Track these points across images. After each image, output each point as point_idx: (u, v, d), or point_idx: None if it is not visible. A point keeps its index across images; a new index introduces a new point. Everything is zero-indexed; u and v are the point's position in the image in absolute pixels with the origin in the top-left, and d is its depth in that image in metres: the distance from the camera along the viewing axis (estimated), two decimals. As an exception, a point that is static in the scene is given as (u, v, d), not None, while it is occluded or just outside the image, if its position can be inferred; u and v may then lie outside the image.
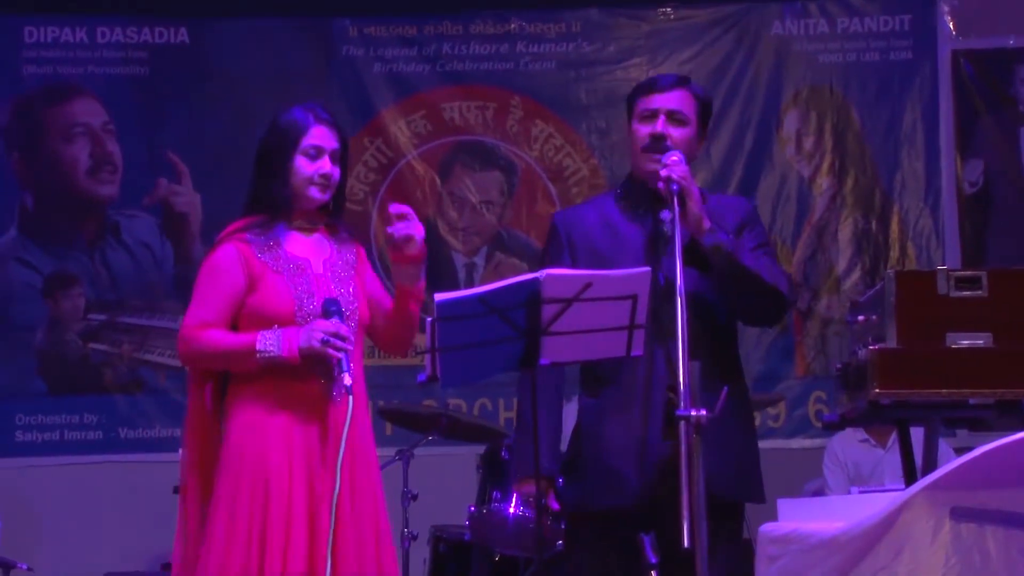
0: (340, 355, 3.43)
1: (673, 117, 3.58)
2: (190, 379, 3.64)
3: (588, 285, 3.25)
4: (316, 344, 3.42)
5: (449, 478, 5.96)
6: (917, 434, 3.61)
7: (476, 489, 5.14)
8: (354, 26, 6.84)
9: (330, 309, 3.49)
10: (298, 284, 3.54)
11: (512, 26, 6.86)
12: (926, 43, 6.79)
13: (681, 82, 3.65)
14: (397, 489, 5.32)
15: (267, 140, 3.62)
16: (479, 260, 6.80)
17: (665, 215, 3.52)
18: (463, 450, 5.95)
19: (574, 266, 3.56)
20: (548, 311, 3.25)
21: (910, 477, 3.59)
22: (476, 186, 6.83)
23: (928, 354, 3.26)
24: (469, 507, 5.02)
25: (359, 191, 6.77)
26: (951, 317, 3.27)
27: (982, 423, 3.60)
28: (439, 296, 3.23)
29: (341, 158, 3.63)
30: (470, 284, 6.64)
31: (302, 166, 3.57)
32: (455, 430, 5.54)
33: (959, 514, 2.73)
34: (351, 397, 3.42)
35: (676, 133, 3.57)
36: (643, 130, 3.58)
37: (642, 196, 3.61)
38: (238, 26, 6.83)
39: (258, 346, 3.45)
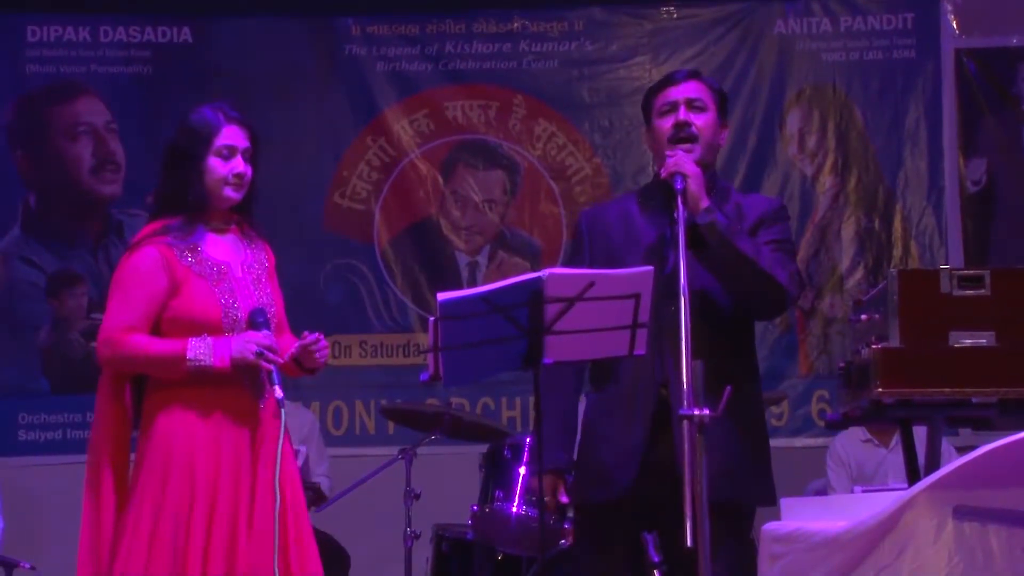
0: (271, 367, 3.44)
1: (692, 105, 3.60)
2: (104, 381, 3.58)
3: (591, 284, 3.25)
4: (250, 356, 3.43)
5: (452, 477, 5.96)
6: (920, 433, 3.61)
7: (479, 488, 5.15)
8: (356, 25, 6.84)
9: (258, 320, 3.49)
10: (222, 290, 3.52)
11: (515, 25, 6.86)
12: (929, 42, 6.79)
13: (693, 74, 3.70)
14: (400, 488, 5.32)
15: (178, 141, 3.58)
16: (482, 259, 6.80)
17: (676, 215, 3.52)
18: (466, 449, 5.95)
19: (591, 263, 3.57)
20: (551, 310, 3.26)
21: (913, 476, 3.59)
22: (479, 185, 6.83)
23: (931, 353, 3.25)
24: (472, 506, 5.03)
25: (362, 190, 6.77)
26: (954, 316, 3.27)
27: (985, 422, 3.60)
28: (442, 295, 3.24)
29: (253, 156, 3.60)
30: (473, 283, 6.64)
31: (216, 166, 3.54)
32: (458, 429, 5.54)
33: (962, 513, 2.73)
34: (283, 411, 3.42)
35: (698, 120, 3.58)
36: (666, 123, 3.60)
37: (661, 194, 3.61)
38: (241, 25, 6.83)
39: (189, 354, 3.44)
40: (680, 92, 3.61)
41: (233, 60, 6.78)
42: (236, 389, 3.49)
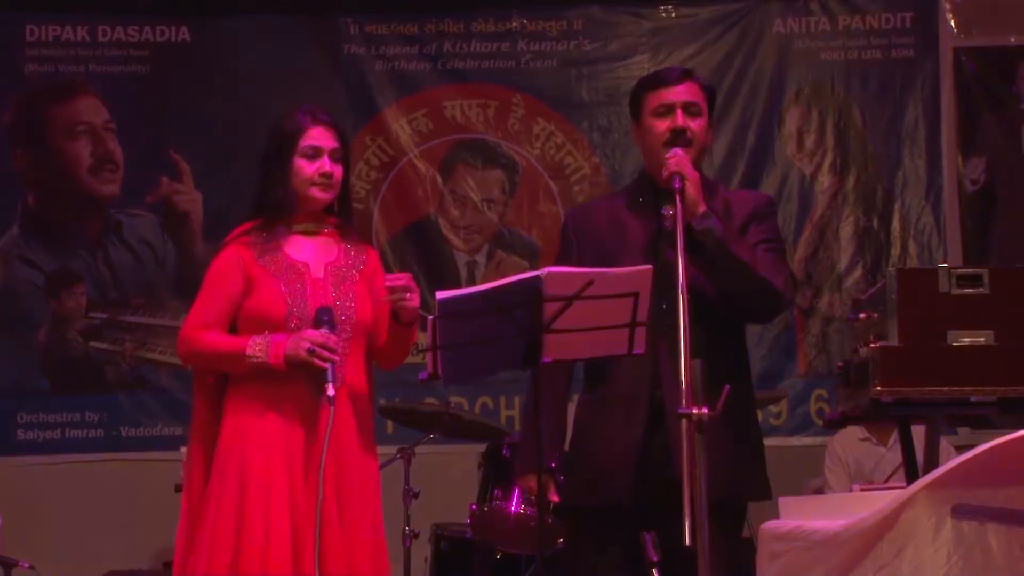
0: (325, 365, 3.46)
1: (689, 109, 3.59)
2: (195, 377, 3.71)
3: (589, 283, 3.25)
4: (302, 353, 3.48)
5: (451, 476, 5.97)
6: (919, 432, 3.61)
7: (478, 487, 5.15)
8: (355, 24, 6.84)
9: (322, 319, 3.53)
10: (293, 289, 3.58)
11: (513, 24, 6.86)
12: (928, 41, 6.79)
13: (688, 74, 3.67)
14: (398, 487, 5.32)
15: (267, 144, 3.68)
16: (480, 258, 6.80)
17: (666, 211, 3.51)
18: (465, 448, 5.95)
19: (580, 263, 3.56)
20: (550, 309, 3.25)
21: (911, 475, 3.59)
22: (477, 184, 6.83)
23: (929, 352, 3.25)
24: (471, 505, 5.03)
25: (361, 189, 6.77)
26: (952, 315, 3.27)
27: (984, 421, 3.61)
28: (440, 294, 3.23)
29: (343, 158, 3.66)
30: (471, 282, 6.64)
31: (301, 167, 3.62)
32: (456, 428, 5.54)
33: (961, 512, 2.73)
34: (332, 408, 3.45)
35: (694, 124, 3.58)
36: (661, 125, 3.58)
37: (651, 193, 3.61)
38: (239, 24, 6.83)
39: (248, 351, 3.53)
40: (677, 95, 3.59)
41: (232, 59, 6.78)
42: (296, 386, 3.53)
